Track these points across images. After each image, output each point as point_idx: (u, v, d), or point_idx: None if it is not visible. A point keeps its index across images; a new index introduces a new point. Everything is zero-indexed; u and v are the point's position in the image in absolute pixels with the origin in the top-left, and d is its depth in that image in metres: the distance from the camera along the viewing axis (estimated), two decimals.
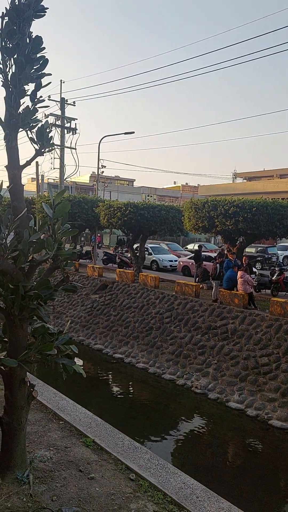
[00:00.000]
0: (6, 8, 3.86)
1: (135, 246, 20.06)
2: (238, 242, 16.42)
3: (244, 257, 15.79)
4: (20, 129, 4.04)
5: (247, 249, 23.74)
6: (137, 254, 19.52)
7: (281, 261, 24.03)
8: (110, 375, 12.81)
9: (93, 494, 4.02)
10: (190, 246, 27.87)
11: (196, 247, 22.56)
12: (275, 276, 15.34)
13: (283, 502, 7.13)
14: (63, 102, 25.14)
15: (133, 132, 26.56)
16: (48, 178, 39.23)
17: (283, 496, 7.30)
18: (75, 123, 25.27)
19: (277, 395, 9.83)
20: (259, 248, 25.19)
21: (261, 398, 9.96)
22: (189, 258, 21.40)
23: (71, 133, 25.31)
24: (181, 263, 22.00)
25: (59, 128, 25.11)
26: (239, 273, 13.48)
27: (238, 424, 9.60)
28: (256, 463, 8.24)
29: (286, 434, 8.84)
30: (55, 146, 24.03)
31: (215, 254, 18.32)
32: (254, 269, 19.03)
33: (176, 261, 23.21)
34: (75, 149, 25.39)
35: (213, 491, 4.07)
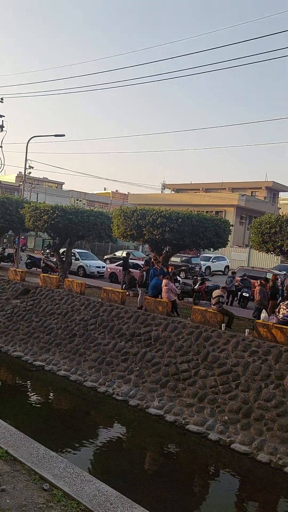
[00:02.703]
0: None
1: (61, 250, 19.69)
2: (164, 251, 16.86)
3: (170, 266, 16.25)
4: None
5: (172, 259, 24.44)
6: (64, 259, 19.17)
7: (203, 271, 25.06)
8: (29, 383, 12.35)
9: (3, 506, 3.84)
10: (118, 253, 28.00)
11: (124, 254, 22.73)
12: (197, 285, 15.97)
13: (197, 505, 7.37)
14: None
15: (64, 135, 26.11)
16: None
17: (197, 499, 7.55)
18: (2, 120, 24.25)
19: (195, 401, 10.18)
20: (183, 258, 26.05)
21: (180, 403, 10.24)
22: (117, 265, 21.49)
23: None
24: (109, 269, 22.02)
25: None
26: (164, 281, 13.82)
27: (156, 430, 9.76)
28: (172, 467, 8.44)
29: (202, 438, 9.17)
30: None
31: (142, 262, 18.63)
32: (178, 278, 19.66)
33: (104, 267, 23.16)
34: (1, 147, 24.37)
35: (128, 497, 4.09)
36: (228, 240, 17.04)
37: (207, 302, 15.53)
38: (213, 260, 28.31)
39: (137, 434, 9.74)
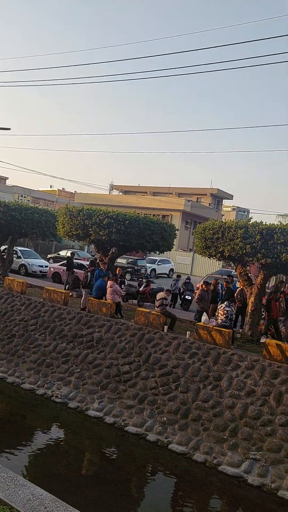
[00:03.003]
0: None
1: (2, 247, 18.98)
2: (110, 252, 16.82)
3: (118, 268, 16.26)
4: None
5: (118, 260, 24.46)
6: (4, 256, 18.49)
7: (149, 274, 25.36)
8: None
9: None
10: (62, 253, 27.51)
11: (68, 254, 22.36)
12: (142, 287, 16.11)
13: (133, 506, 7.40)
14: None
15: (9, 129, 25.25)
16: None
17: (134, 500, 7.58)
18: None
19: (135, 402, 10.24)
20: (129, 260, 26.18)
21: (120, 405, 10.24)
22: (60, 265, 21.10)
23: None
24: (52, 269, 21.57)
25: None
26: (109, 283, 13.78)
27: (95, 432, 9.69)
28: (110, 469, 8.41)
29: (140, 439, 9.23)
30: None
31: (87, 263, 18.44)
32: (125, 280, 19.70)
33: (46, 266, 22.66)
34: None
35: (63, 500, 4.01)
36: (173, 244, 17.38)
37: (151, 304, 15.71)
38: (159, 263, 28.74)
39: (76, 436, 9.60)
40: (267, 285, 15.51)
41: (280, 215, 37.23)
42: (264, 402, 9.30)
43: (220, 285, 15.39)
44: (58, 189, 68.24)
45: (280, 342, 10.55)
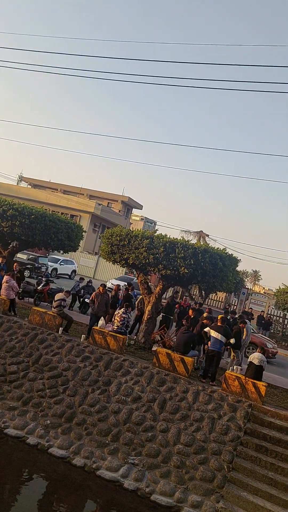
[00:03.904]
0: None
1: None
2: (10, 246, 16.04)
3: (15, 264, 15.53)
4: None
5: (19, 255, 23.44)
6: None
7: (49, 273, 24.68)
8: None
9: None
10: None
11: None
12: (41, 286, 15.61)
13: (5, 511, 7.05)
14: None
15: None
16: None
17: (5, 505, 7.24)
18: None
19: (19, 404, 9.84)
20: (30, 256, 25.24)
21: (2, 406, 9.75)
22: None
23: None
24: None
25: None
26: (5, 278, 13.13)
27: None
28: None
29: (20, 442, 8.88)
30: None
31: None
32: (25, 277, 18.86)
33: None
34: None
35: None
36: (79, 245, 17.21)
37: (48, 304, 15.31)
38: (61, 263, 28.14)
39: None
40: (164, 295, 16.13)
41: (183, 230, 39.16)
42: (148, 408, 9.61)
43: (121, 291, 15.61)
44: None
45: (169, 351, 11.03)
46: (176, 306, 14.89)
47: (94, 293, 12.97)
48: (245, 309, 23.86)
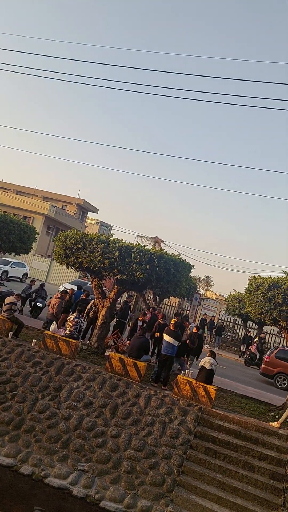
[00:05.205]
0: None
1: None
2: None
3: None
4: None
5: None
6: None
7: (0, 275, 23.91)
8: None
9: None
10: None
11: None
12: None
13: None
14: None
15: None
16: None
17: None
18: None
19: None
20: None
21: None
22: None
23: None
24: None
25: None
26: None
27: None
28: None
29: None
30: None
31: None
32: None
33: None
34: None
35: None
36: (32, 248, 16.83)
37: None
38: (12, 266, 27.31)
39: None
40: (118, 300, 16.09)
41: (139, 235, 39.37)
42: (100, 414, 9.52)
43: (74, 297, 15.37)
44: None
45: (122, 356, 11.01)
46: (148, 317, 14.31)
47: (56, 300, 12.68)
48: (204, 316, 24.23)
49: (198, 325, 13.85)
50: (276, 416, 10.97)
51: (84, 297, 14.92)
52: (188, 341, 11.80)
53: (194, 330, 12.29)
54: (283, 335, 24.94)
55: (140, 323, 12.90)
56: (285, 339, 24.38)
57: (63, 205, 50.60)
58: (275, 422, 10.13)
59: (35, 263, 34.23)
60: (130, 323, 14.67)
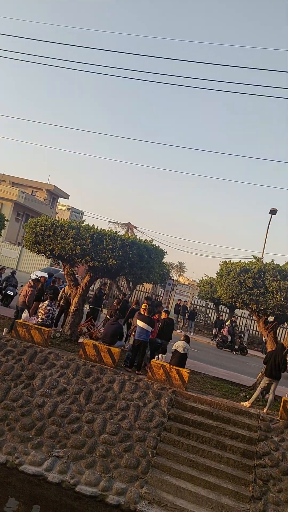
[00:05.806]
0: None
1: None
2: None
3: None
4: None
5: None
6: None
7: None
8: None
9: None
10: None
11: None
12: None
13: None
14: None
15: None
16: None
17: None
18: None
19: None
20: None
21: None
22: None
23: None
24: None
25: None
26: None
27: None
28: None
29: None
30: None
31: None
32: None
33: None
34: None
35: None
36: (1, 235, 16.43)
37: None
38: None
39: None
40: (91, 287, 16.01)
41: (112, 222, 39.10)
42: (74, 400, 9.52)
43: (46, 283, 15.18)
44: None
45: (96, 342, 11.01)
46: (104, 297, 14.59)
47: (29, 289, 12.41)
48: (178, 302, 24.61)
49: (168, 309, 14.03)
50: (247, 396, 11.30)
51: (52, 284, 14.76)
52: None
53: (164, 315, 12.31)
54: (253, 318, 25.58)
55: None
56: (255, 321, 25.04)
57: (32, 191, 49.54)
58: (246, 402, 10.44)
59: (5, 251, 33.54)
60: (106, 310, 14.66)
